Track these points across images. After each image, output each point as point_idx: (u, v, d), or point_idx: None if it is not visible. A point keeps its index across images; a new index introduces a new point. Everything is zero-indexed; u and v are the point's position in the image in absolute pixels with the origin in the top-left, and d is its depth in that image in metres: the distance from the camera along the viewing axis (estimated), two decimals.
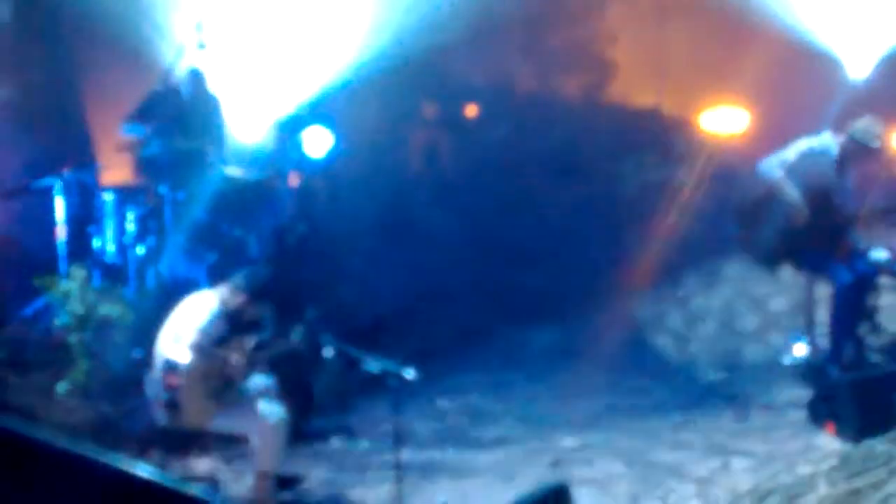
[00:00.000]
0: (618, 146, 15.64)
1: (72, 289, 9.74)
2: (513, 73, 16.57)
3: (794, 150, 10.11)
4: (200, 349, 8.01)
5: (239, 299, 8.36)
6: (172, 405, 8.06)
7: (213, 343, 8.06)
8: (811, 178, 9.96)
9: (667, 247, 13.32)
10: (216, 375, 8.04)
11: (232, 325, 8.25)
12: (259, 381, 8.36)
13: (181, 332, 8.13)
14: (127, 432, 8.89)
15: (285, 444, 8.32)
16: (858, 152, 10.00)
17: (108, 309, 9.69)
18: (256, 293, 8.44)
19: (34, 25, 12.04)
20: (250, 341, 8.27)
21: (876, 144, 9.97)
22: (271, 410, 8.07)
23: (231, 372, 8.07)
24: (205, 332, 8.08)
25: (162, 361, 8.14)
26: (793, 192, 9.87)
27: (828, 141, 10.09)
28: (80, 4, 12.08)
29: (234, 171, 11.36)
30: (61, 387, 9.50)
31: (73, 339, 9.69)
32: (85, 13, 12.08)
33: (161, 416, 8.13)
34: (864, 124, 10.05)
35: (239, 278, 8.48)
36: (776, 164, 10.06)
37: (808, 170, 9.98)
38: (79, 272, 9.84)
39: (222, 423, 8.13)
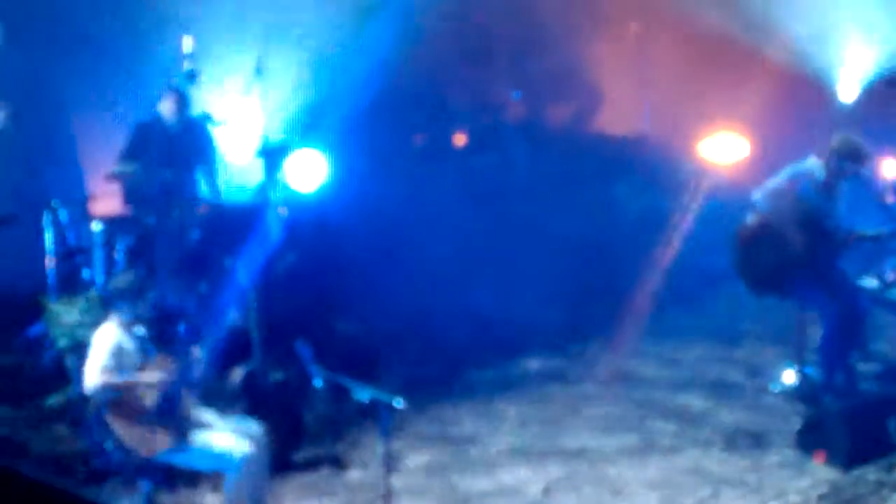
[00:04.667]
0: (606, 173, 15.67)
1: (74, 312, 9.81)
2: (501, 102, 16.59)
3: (783, 177, 10.16)
4: (102, 382, 7.87)
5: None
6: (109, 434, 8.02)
7: (121, 370, 7.89)
8: (801, 204, 10.00)
9: (657, 273, 13.32)
10: (129, 403, 7.90)
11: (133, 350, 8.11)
12: (221, 416, 8.29)
13: (92, 362, 8.00)
14: (115, 463, 8.82)
15: (259, 480, 8.24)
16: (848, 170, 10.04)
17: None
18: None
19: (24, 57, 12.03)
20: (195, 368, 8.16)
21: (865, 165, 10.05)
22: (236, 448, 7.96)
23: (143, 398, 7.90)
24: (105, 362, 7.93)
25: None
26: (785, 219, 9.90)
27: (814, 165, 10.13)
28: (71, 34, 12.08)
29: (222, 201, 11.37)
30: (51, 399, 9.49)
31: (69, 362, 9.74)
32: (75, 43, 12.09)
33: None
34: (846, 142, 10.10)
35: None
36: (768, 192, 10.10)
37: (798, 195, 10.02)
38: (79, 299, 9.91)
39: (187, 458, 8.03)
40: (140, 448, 7.94)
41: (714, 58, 14.70)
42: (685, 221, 13.94)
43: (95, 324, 9.47)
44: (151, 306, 8.40)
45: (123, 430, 7.94)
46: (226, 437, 8.04)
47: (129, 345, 8.10)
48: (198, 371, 8.23)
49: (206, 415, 8.25)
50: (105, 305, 8.67)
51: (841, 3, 14.05)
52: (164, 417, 7.93)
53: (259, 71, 11.52)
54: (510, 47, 16.14)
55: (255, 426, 8.36)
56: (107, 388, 7.86)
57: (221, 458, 7.95)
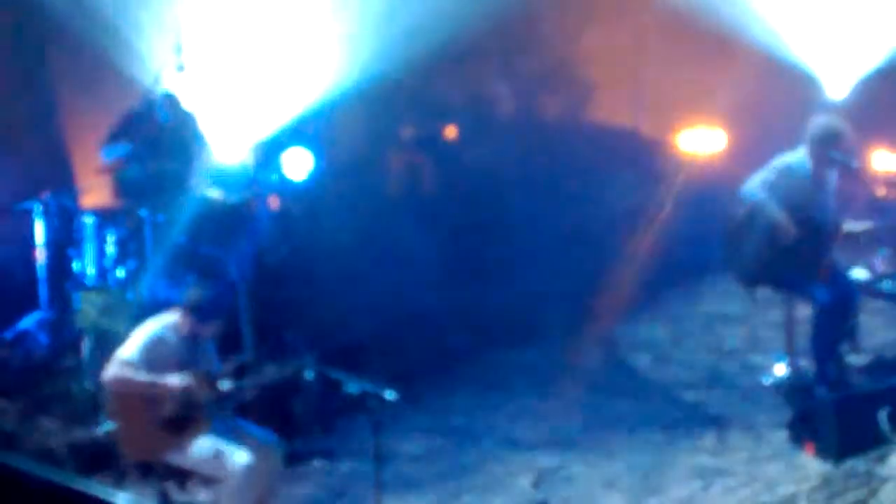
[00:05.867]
0: (597, 167, 15.66)
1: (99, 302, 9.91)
2: (492, 95, 16.58)
3: (772, 169, 10.14)
4: (120, 375, 7.72)
5: (187, 323, 8.08)
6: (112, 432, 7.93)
7: (140, 368, 7.73)
8: (790, 195, 9.99)
9: (647, 267, 13.33)
10: (144, 403, 7.75)
11: (177, 351, 7.95)
12: (226, 423, 8.19)
13: (120, 351, 7.84)
14: (106, 457, 8.80)
15: (266, 489, 8.16)
16: (825, 153, 10.04)
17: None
18: (207, 314, 8.13)
19: (14, 48, 12.02)
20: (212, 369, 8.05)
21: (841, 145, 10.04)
22: (235, 456, 7.84)
23: (165, 400, 7.75)
24: (130, 356, 7.80)
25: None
26: (777, 211, 9.89)
27: (803, 156, 10.12)
28: (61, 27, 12.05)
29: (214, 193, 11.35)
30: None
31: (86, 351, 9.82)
32: (65, 35, 12.06)
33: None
34: (819, 124, 10.11)
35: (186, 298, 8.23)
36: (758, 185, 10.08)
37: (787, 186, 10.01)
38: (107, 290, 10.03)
39: (186, 460, 7.89)
40: (138, 450, 7.87)
41: (706, 50, 14.69)
42: (675, 213, 13.96)
43: (120, 316, 9.44)
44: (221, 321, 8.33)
45: (127, 429, 7.86)
46: (226, 444, 7.91)
47: (172, 346, 7.94)
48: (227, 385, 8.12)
49: (222, 421, 8.13)
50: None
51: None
52: (174, 425, 7.82)
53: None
54: (502, 41, 16.11)
55: (269, 436, 8.29)
56: (122, 383, 7.73)
57: (218, 464, 7.84)
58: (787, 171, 10.08)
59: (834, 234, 10.10)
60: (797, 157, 10.14)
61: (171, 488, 8.16)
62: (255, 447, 7.98)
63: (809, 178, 10.08)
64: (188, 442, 7.82)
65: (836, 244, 10.26)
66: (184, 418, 7.80)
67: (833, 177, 10.20)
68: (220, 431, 7.97)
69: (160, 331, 7.95)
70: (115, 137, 11.04)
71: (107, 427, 8.06)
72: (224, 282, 10.44)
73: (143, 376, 7.67)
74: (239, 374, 8.26)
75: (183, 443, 7.80)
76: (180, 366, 7.82)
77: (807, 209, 10.01)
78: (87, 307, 10.18)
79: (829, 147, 9.99)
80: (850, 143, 10.14)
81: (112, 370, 7.71)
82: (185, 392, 7.74)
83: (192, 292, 8.21)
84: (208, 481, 8.16)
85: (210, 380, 7.92)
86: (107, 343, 9.25)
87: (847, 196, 10.50)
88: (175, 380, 7.73)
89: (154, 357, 7.77)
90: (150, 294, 10.61)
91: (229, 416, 8.19)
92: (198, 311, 8.08)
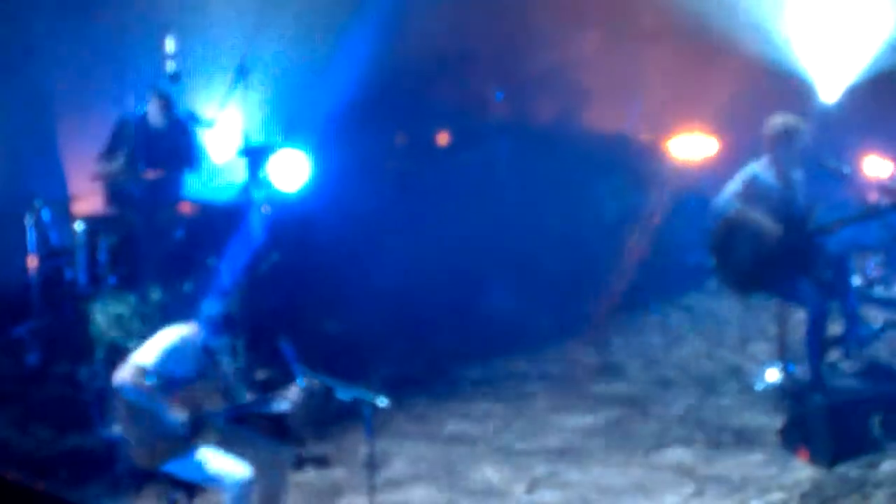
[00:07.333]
0: (591, 172, 15.65)
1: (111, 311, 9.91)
2: (485, 100, 16.57)
3: (739, 180, 10.15)
4: (134, 381, 7.65)
5: (201, 336, 8.04)
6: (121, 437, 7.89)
7: (154, 377, 7.70)
8: (762, 202, 9.99)
9: (640, 272, 13.33)
10: (146, 413, 7.70)
11: (192, 362, 7.93)
12: (250, 436, 8.14)
13: (136, 357, 7.79)
14: (99, 465, 8.79)
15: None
16: (785, 150, 10.06)
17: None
18: (221, 328, 8.10)
19: (6, 55, 12.00)
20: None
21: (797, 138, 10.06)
22: (233, 471, 7.78)
23: (168, 410, 7.70)
24: (147, 363, 7.73)
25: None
26: (759, 216, 9.90)
27: (767, 163, 10.15)
28: (53, 33, 12.05)
29: (206, 200, 11.36)
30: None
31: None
32: (57, 41, 12.06)
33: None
34: (773, 123, 10.14)
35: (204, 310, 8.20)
36: (731, 196, 10.08)
37: (757, 194, 10.02)
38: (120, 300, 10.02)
39: (182, 468, 7.84)
40: (142, 458, 7.82)
41: (701, 56, 14.69)
42: (669, 220, 13.97)
43: (131, 327, 9.41)
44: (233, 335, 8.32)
45: (131, 434, 7.80)
46: (226, 458, 7.85)
47: (188, 356, 7.88)
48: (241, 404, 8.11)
49: (229, 431, 8.08)
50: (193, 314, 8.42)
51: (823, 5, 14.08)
52: (179, 437, 7.78)
53: (243, 71, 11.54)
54: (495, 46, 16.10)
55: (284, 450, 8.24)
56: (135, 390, 7.65)
57: (215, 477, 7.77)
58: (754, 180, 10.09)
59: (814, 228, 10.08)
60: (761, 165, 10.16)
61: (182, 499, 8.12)
62: (261, 457, 7.94)
63: (776, 181, 10.09)
64: (190, 451, 7.78)
65: (821, 244, 10.24)
66: (189, 430, 7.77)
67: (800, 175, 10.22)
68: (226, 442, 7.93)
69: (178, 340, 7.87)
70: (110, 149, 11.05)
71: (114, 431, 8.00)
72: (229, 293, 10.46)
73: (153, 392, 7.61)
74: (261, 390, 8.23)
75: (185, 452, 7.77)
76: (192, 378, 7.82)
77: (782, 211, 10.02)
78: (99, 316, 10.22)
79: (786, 143, 10.03)
80: (807, 140, 10.17)
81: (126, 374, 7.60)
82: (195, 408, 7.74)
83: (210, 305, 8.17)
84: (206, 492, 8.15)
85: (223, 393, 7.93)
86: (116, 352, 9.31)
87: (839, 202, 10.52)
88: (176, 415, 7.71)
89: (170, 366, 7.72)
90: (141, 303, 10.64)
91: (236, 426, 8.14)
92: (213, 325, 8.07)
